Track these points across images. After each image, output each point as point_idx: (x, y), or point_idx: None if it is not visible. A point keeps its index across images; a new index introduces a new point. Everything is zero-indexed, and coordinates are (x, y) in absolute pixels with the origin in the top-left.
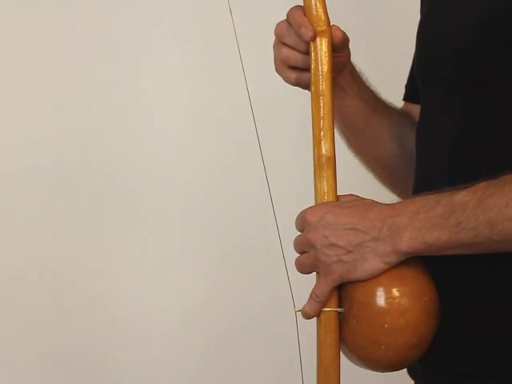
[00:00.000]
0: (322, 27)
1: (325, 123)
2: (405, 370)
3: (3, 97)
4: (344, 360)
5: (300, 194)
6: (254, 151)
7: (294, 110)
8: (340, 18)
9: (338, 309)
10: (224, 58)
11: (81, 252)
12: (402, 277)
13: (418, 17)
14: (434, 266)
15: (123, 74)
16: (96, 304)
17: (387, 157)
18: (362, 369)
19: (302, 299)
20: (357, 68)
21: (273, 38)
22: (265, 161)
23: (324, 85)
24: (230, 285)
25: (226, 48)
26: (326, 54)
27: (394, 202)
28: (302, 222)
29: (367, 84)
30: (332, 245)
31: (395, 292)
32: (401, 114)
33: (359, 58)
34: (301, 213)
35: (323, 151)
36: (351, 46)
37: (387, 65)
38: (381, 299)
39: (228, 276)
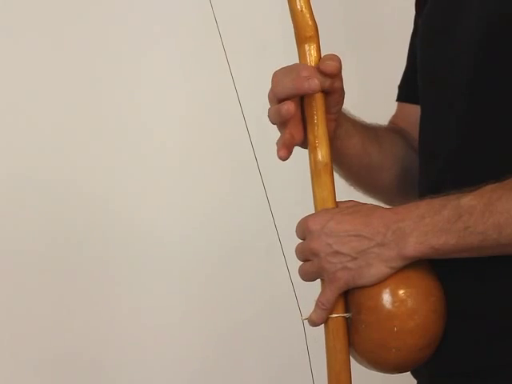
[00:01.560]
0: (310, 33)
1: (319, 130)
2: None
3: (3, 97)
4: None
5: (298, 194)
6: (253, 152)
7: None
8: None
9: (345, 314)
10: (216, 67)
11: (80, 252)
12: (408, 279)
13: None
14: (435, 267)
15: (121, 79)
16: (96, 304)
17: (391, 181)
18: (365, 370)
19: (305, 298)
20: (344, 111)
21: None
22: (262, 161)
23: None
24: (231, 285)
25: (217, 57)
26: (316, 59)
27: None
28: (304, 230)
29: (356, 123)
30: (336, 252)
31: (402, 295)
32: (390, 135)
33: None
34: (301, 220)
35: (319, 157)
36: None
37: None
38: (388, 303)
39: (228, 276)
